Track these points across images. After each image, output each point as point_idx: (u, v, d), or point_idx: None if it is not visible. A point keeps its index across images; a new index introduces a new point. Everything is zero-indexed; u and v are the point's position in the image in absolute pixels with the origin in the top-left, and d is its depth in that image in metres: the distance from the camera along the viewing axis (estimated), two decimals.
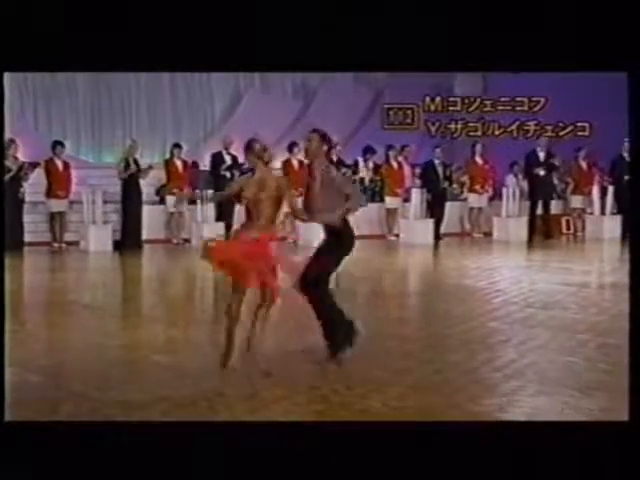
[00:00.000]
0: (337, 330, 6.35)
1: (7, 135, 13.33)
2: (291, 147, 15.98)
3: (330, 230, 6.45)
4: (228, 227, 15.09)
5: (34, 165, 14.95)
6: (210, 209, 15.19)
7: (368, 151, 16.96)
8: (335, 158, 16.18)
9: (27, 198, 14.66)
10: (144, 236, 15.02)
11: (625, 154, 16.51)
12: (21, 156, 14.75)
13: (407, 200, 16.46)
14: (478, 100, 10.63)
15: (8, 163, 13.86)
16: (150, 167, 15.25)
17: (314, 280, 6.26)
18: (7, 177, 13.71)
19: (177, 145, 16.06)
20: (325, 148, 6.44)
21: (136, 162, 15.03)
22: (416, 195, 16.22)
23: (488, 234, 16.77)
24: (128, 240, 14.69)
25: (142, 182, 15.10)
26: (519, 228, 16.40)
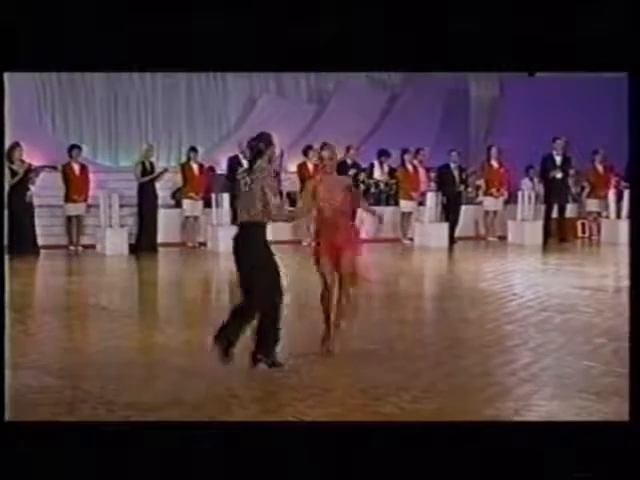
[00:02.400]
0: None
1: (16, 138, 13.43)
2: (306, 150, 15.99)
3: None
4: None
5: (41, 168, 15.05)
6: (225, 213, 15.23)
7: (383, 154, 16.96)
8: (350, 161, 16.22)
9: (44, 202, 14.76)
10: (160, 239, 15.08)
11: None
12: (38, 160, 14.86)
13: (422, 204, 16.45)
14: None
15: (14, 167, 13.95)
16: (165, 170, 15.30)
17: None
18: (15, 180, 13.81)
19: (193, 149, 16.11)
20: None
21: (152, 165, 15.10)
22: (431, 198, 16.21)
23: (503, 238, 16.72)
24: (143, 243, 14.74)
25: (158, 185, 15.17)
26: (534, 232, 16.36)
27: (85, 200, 15.09)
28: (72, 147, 15.29)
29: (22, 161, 14.18)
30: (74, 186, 14.95)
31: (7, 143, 12.79)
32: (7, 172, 13.66)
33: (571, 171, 17.25)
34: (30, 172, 14.22)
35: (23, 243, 13.62)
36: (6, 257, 11.47)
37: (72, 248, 14.85)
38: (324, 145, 6.95)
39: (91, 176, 15.33)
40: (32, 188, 14.27)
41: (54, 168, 15.55)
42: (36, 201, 14.38)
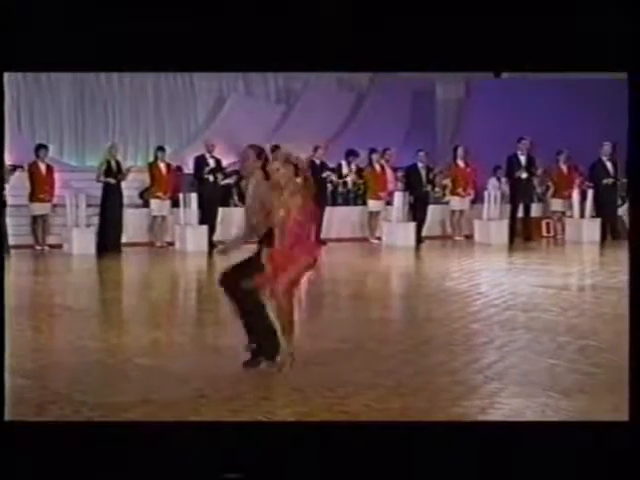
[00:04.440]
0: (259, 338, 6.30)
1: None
2: (274, 150, 15.99)
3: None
4: (212, 230, 15.12)
5: (14, 167, 14.94)
6: (193, 212, 15.21)
7: (351, 154, 17.03)
8: (318, 161, 16.28)
9: (10, 201, 14.65)
10: (128, 239, 15.03)
11: (604, 157, 16.66)
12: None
13: (390, 203, 16.54)
14: None
15: None
16: (128, 170, 15.25)
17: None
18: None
19: (161, 148, 16.06)
20: (260, 164, 6.40)
21: (118, 164, 15.03)
22: (398, 198, 16.30)
23: (469, 237, 16.87)
24: (107, 243, 14.66)
25: (124, 185, 15.12)
26: (500, 231, 16.51)
27: (50, 200, 15.01)
28: (39, 147, 15.21)
29: None
30: (40, 185, 14.86)
31: None
32: None
33: (538, 171, 17.44)
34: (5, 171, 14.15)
35: None
36: None
37: (38, 248, 14.76)
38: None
39: (57, 175, 15.27)
40: (6, 187, 14.18)
41: (21, 167, 15.45)
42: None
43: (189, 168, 16.67)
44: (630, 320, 4.55)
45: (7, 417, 4.66)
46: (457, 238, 17.00)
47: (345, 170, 17.03)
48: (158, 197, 15.69)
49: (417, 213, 16.55)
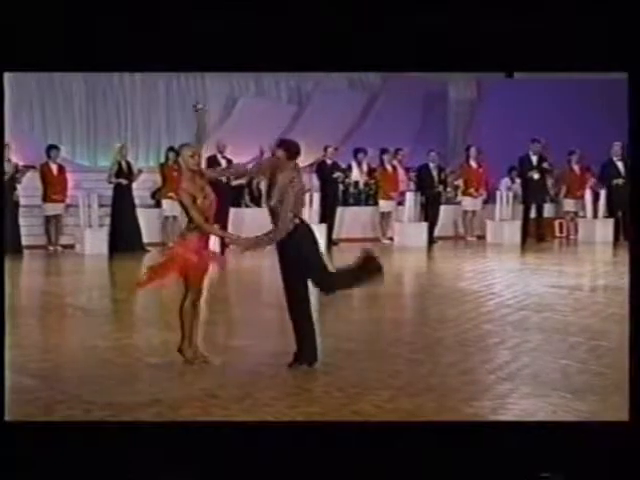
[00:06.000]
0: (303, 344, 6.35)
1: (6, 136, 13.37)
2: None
3: None
4: (223, 229, 15.13)
5: (27, 168, 14.98)
6: None
7: (359, 151, 17.01)
8: (329, 162, 16.27)
9: (23, 201, 14.71)
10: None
11: (614, 158, 16.58)
12: (16, 159, 14.79)
13: (401, 203, 16.52)
14: None
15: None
16: (140, 171, 15.29)
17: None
18: (5, 180, 13.74)
19: (172, 149, 16.08)
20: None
21: (129, 165, 15.07)
22: (410, 198, 16.27)
23: (482, 237, 16.82)
24: (118, 244, 14.67)
25: (135, 185, 15.16)
26: (513, 231, 16.46)
27: (63, 200, 15.05)
28: (50, 147, 15.24)
29: (9, 160, 14.12)
30: (52, 186, 14.91)
31: None
32: None
33: (555, 171, 17.39)
34: (17, 172, 14.18)
35: (9, 243, 13.53)
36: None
37: (51, 248, 14.81)
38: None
39: (70, 176, 15.31)
40: (19, 188, 14.23)
41: (34, 168, 15.51)
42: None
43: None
44: (630, 320, 4.55)
45: (10, 417, 4.68)
46: (469, 238, 16.95)
47: (355, 172, 17.02)
48: (170, 197, 15.70)
49: (429, 213, 16.52)
